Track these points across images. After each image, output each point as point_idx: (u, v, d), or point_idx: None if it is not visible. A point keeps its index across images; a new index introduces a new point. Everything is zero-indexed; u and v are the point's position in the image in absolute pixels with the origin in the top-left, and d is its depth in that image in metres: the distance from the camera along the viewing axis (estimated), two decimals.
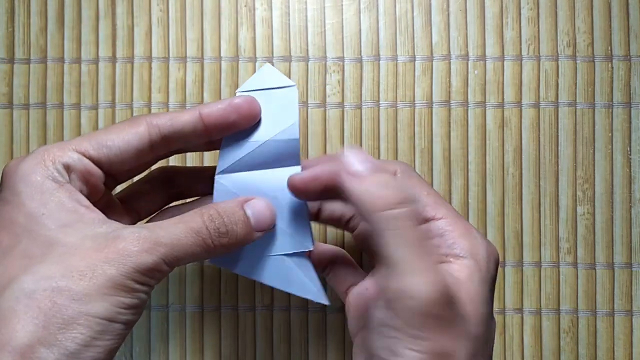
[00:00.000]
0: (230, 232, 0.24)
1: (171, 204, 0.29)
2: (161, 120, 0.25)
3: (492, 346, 0.25)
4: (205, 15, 0.35)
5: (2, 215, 0.23)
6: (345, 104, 0.35)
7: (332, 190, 0.24)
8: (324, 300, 0.26)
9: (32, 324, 0.21)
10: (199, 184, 0.29)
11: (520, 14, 0.35)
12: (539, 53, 0.34)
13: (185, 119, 0.25)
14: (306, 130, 0.35)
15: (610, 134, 0.34)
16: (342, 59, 0.35)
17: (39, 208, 0.22)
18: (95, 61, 0.35)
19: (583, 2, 0.34)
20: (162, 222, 0.23)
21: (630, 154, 0.34)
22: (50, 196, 0.22)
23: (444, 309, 0.22)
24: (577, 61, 0.34)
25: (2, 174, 0.24)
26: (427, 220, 0.25)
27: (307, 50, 0.35)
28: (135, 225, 0.23)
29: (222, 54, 0.35)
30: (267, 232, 0.26)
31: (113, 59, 0.35)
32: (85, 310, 0.21)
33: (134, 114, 0.35)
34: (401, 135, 0.34)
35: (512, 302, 0.34)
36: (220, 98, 0.35)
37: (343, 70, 0.35)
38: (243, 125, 0.26)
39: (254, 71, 0.35)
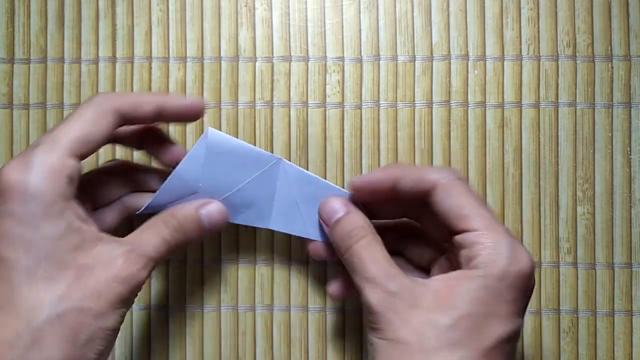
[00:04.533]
0: (187, 239, 0.29)
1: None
2: (126, 107, 0.27)
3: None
4: (205, 15, 0.35)
5: (15, 233, 0.24)
6: (345, 104, 0.35)
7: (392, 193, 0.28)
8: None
9: (64, 342, 0.24)
10: (154, 181, 0.32)
11: (520, 14, 0.35)
12: (539, 53, 0.34)
13: (144, 109, 0.28)
14: (306, 130, 0.35)
15: (610, 134, 0.34)
16: (342, 59, 0.35)
17: (54, 231, 0.24)
18: (95, 61, 0.35)
19: (583, 2, 0.34)
20: (141, 235, 0.27)
21: (630, 154, 0.34)
22: (61, 218, 0.24)
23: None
24: (577, 61, 0.34)
25: (7, 182, 0.24)
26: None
27: (307, 50, 0.35)
28: (126, 241, 0.26)
29: (222, 54, 0.35)
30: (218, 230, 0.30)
31: (113, 59, 0.35)
32: (103, 325, 0.25)
33: None
34: (401, 135, 0.34)
35: None
36: (220, 98, 0.35)
37: (343, 70, 0.35)
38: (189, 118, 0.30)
39: (254, 71, 0.35)
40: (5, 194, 0.24)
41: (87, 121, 0.26)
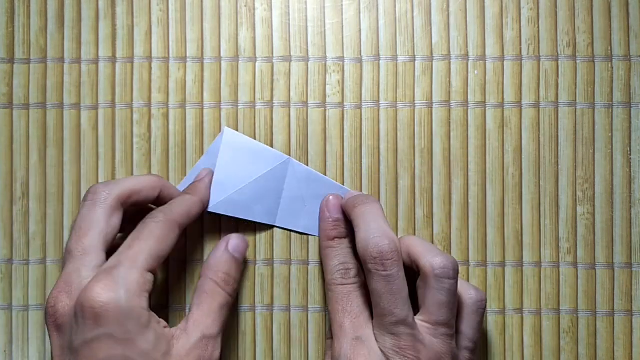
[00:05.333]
0: (237, 280, 0.31)
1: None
2: (185, 220, 0.30)
3: None
4: (205, 15, 0.35)
5: (117, 354, 0.26)
6: (345, 104, 0.35)
7: None
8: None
9: None
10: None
11: (520, 14, 0.35)
12: (539, 53, 0.34)
13: (195, 211, 0.31)
14: (306, 130, 0.35)
15: (610, 134, 0.34)
16: (342, 59, 0.35)
17: (147, 344, 0.26)
18: (95, 61, 0.35)
19: (583, 2, 0.34)
20: (202, 315, 0.29)
21: (630, 154, 0.34)
22: (149, 330, 0.26)
23: None
24: (577, 61, 0.34)
25: (95, 309, 0.26)
26: None
27: (307, 50, 0.35)
28: (191, 328, 0.29)
29: (222, 54, 0.35)
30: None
31: (113, 59, 0.35)
32: None
33: (134, 114, 0.35)
34: (401, 135, 0.34)
35: (512, 302, 0.34)
36: (220, 98, 0.35)
37: (343, 70, 0.35)
38: None
39: (254, 71, 0.35)
40: (102, 317, 0.25)
41: (159, 238, 0.28)
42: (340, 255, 0.32)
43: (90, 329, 0.25)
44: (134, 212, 0.32)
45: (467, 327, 0.31)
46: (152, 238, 0.28)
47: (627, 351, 0.34)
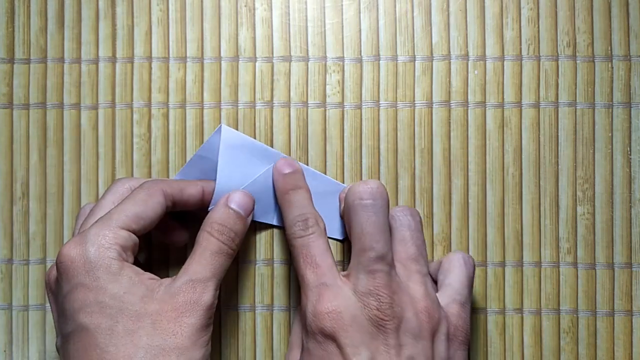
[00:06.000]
0: (237, 233, 0.30)
1: None
2: (173, 190, 0.30)
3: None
4: (205, 15, 0.35)
5: (90, 300, 0.26)
6: (345, 104, 0.35)
7: None
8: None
9: None
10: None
11: (520, 14, 0.35)
12: (539, 53, 0.34)
13: (190, 192, 0.31)
14: (306, 130, 0.35)
15: (610, 134, 0.34)
16: (342, 59, 0.35)
17: (118, 288, 0.27)
18: (95, 61, 0.35)
19: (583, 2, 0.34)
20: (191, 262, 0.28)
21: (630, 154, 0.34)
22: (121, 277, 0.27)
23: None
24: (577, 61, 0.34)
25: (65, 263, 0.27)
26: None
27: (307, 50, 0.35)
28: (182, 273, 0.28)
29: (222, 54, 0.35)
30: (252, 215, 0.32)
31: (113, 59, 0.35)
32: (190, 358, 0.26)
33: (134, 114, 0.35)
34: (401, 135, 0.34)
35: (512, 302, 0.34)
36: (220, 98, 0.35)
37: (343, 70, 0.35)
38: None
39: (254, 71, 0.35)
40: (71, 269, 0.27)
41: (137, 201, 0.29)
42: (297, 206, 0.31)
43: (66, 283, 0.27)
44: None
45: (454, 278, 0.30)
46: (131, 201, 0.29)
47: (627, 351, 0.34)
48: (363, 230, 0.29)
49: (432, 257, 0.34)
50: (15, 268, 0.35)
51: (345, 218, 0.31)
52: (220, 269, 0.29)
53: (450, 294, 0.30)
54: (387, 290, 0.28)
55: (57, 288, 0.28)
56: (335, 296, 0.28)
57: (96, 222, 0.28)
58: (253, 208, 0.31)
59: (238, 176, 0.32)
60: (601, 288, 0.34)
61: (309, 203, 0.32)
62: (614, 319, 0.34)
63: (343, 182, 0.34)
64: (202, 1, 0.35)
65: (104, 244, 0.27)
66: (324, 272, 0.29)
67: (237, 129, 0.34)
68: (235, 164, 0.32)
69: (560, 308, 0.34)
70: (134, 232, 0.28)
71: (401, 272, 0.30)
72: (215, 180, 0.32)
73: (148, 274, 0.28)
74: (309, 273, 0.29)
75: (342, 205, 0.32)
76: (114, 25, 0.35)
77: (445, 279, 0.31)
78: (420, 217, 0.32)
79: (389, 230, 0.30)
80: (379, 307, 0.28)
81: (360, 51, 0.35)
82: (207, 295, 0.28)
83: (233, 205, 0.30)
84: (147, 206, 0.29)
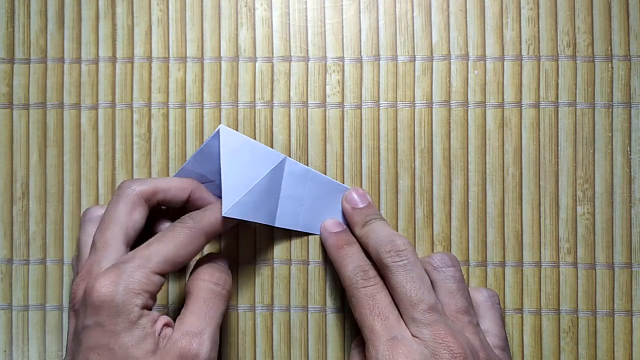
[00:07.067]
0: (229, 285, 0.30)
1: None
2: (211, 227, 0.30)
3: None
4: (205, 15, 0.35)
5: (104, 343, 0.27)
6: (345, 104, 0.35)
7: None
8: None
9: None
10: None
11: (520, 14, 0.35)
12: (539, 53, 0.34)
13: (216, 216, 0.30)
14: (306, 130, 0.35)
15: (610, 134, 0.34)
16: (342, 59, 0.35)
17: (129, 339, 0.27)
18: (95, 61, 0.35)
19: (583, 2, 0.34)
20: (185, 313, 0.28)
21: (630, 154, 0.34)
22: (137, 327, 0.27)
23: None
24: (577, 61, 0.34)
25: (94, 298, 0.27)
26: None
27: (307, 50, 0.35)
28: (175, 328, 0.28)
29: (222, 54, 0.35)
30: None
31: (113, 59, 0.35)
32: None
33: (134, 114, 0.35)
34: (401, 135, 0.34)
35: (512, 302, 0.34)
36: (220, 98, 0.35)
37: (343, 70, 0.35)
38: None
39: (254, 71, 0.35)
40: (98, 307, 0.27)
41: (179, 244, 0.29)
42: (354, 259, 0.31)
43: (89, 316, 0.27)
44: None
45: (491, 323, 0.31)
46: (172, 242, 0.29)
47: (627, 351, 0.34)
48: (406, 287, 0.29)
49: None
50: (15, 268, 0.35)
51: (385, 276, 0.30)
52: (215, 314, 0.29)
53: (492, 341, 0.31)
54: (453, 339, 0.28)
55: (80, 313, 0.28)
56: (410, 351, 0.28)
57: (135, 257, 0.28)
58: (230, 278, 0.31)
59: (242, 178, 0.31)
60: (601, 288, 0.34)
61: (364, 256, 0.32)
62: (614, 319, 0.34)
63: (343, 182, 0.34)
64: (202, 1, 0.35)
65: (134, 289, 0.27)
66: (393, 324, 0.29)
67: (237, 129, 0.34)
68: (237, 165, 0.32)
69: (560, 308, 0.34)
70: (166, 273, 0.29)
71: (454, 322, 0.30)
72: (213, 182, 0.32)
73: (162, 320, 0.28)
74: (377, 324, 0.29)
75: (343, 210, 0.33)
76: (114, 25, 0.35)
77: (482, 325, 0.31)
78: (458, 261, 0.32)
79: (431, 281, 0.31)
80: (452, 356, 0.28)
81: (360, 51, 0.35)
82: (204, 348, 0.27)
83: (218, 262, 0.31)
84: (187, 250, 0.29)
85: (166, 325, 0.28)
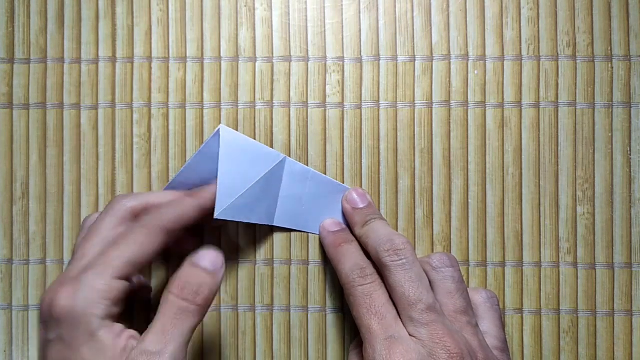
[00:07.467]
0: (203, 286, 0.28)
1: None
2: (174, 225, 0.29)
3: None
4: (205, 15, 0.35)
5: (63, 354, 0.26)
6: (345, 104, 0.35)
7: None
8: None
9: None
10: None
11: (520, 14, 0.35)
12: (539, 53, 0.34)
13: (189, 216, 0.30)
14: (306, 130, 0.35)
15: (610, 134, 0.34)
16: (342, 59, 0.35)
17: (88, 353, 0.26)
18: (95, 61, 0.35)
19: (583, 2, 0.34)
20: (150, 329, 0.27)
21: (630, 154, 0.34)
22: (96, 339, 0.26)
23: None
24: (577, 61, 0.34)
25: (54, 310, 0.26)
26: None
27: (307, 50, 0.35)
28: (137, 343, 0.26)
29: (222, 54, 0.35)
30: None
31: (113, 59, 0.35)
32: None
33: (134, 114, 0.35)
34: (401, 135, 0.34)
35: (512, 302, 0.34)
36: (220, 98, 0.35)
37: (343, 70, 0.35)
38: None
39: (254, 71, 0.35)
40: (58, 319, 0.26)
41: (137, 243, 0.28)
42: (352, 257, 0.31)
43: (51, 330, 0.27)
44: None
45: (490, 325, 0.31)
46: (132, 243, 0.28)
47: (627, 351, 0.34)
48: (404, 287, 0.29)
49: None
50: (15, 268, 0.35)
51: (383, 275, 0.30)
52: (180, 332, 0.27)
53: (491, 342, 0.30)
54: (451, 339, 0.28)
55: (47, 326, 0.27)
56: (407, 350, 0.27)
57: (94, 265, 0.27)
58: (223, 264, 0.29)
59: (239, 178, 0.31)
60: (601, 288, 0.34)
61: (363, 255, 0.31)
62: (614, 319, 0.34)
63: (343, 182, 0.34)
64: (202, 1, 0.35)
65: (94, 298, 0.26)
66: (390, 323, 0.28)
67: (237, 129, 0.34)
68: (235, 166, 0.32)
69: (560, 308, 0.34)
70: (130, 276, 0.28)
71: (453, 323, 0.30)
72: (210, 184, 0.32)
73: (127, 333, 0.27)
74: (374, 324, 0.28)
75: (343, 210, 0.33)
76: (114, 25, 0.35)
77: (481, 326, 0.31)
78: (457, 262, 0.32)
79: (430, 281, 0.31)
80: (449, 356, 0.27)
81: (360, 51, 0.35)
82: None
83: (201, 263, 0.28)
84: (149, 249, 0.28)
85: (132, 338, 0.27)
